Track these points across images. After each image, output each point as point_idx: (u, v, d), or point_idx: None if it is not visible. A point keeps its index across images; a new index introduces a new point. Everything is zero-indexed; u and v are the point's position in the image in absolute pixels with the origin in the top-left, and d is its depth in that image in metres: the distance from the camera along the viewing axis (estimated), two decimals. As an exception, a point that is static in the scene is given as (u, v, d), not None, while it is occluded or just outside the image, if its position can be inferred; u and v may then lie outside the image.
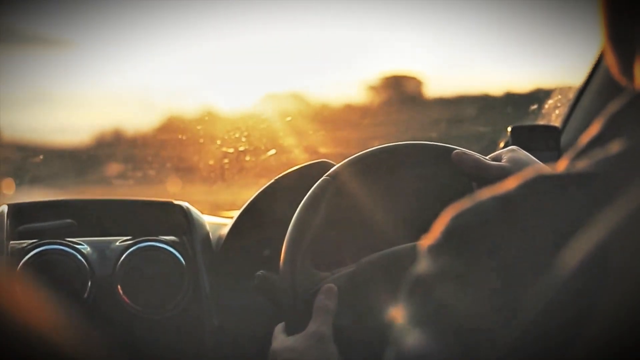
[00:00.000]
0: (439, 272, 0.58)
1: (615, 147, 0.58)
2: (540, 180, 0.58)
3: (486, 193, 0.60)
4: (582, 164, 0.58)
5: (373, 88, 2.84)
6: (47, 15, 2.70)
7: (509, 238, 0.56)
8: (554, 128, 2.21)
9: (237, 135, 2.52)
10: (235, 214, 1.95)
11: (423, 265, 0.60)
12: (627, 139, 0.57)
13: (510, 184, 0.60)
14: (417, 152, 1.56)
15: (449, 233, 0.60)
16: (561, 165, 0.60)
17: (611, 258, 0.50)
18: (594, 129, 0.62)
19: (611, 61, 0.69)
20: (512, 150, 1.39)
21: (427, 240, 0.61)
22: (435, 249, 0.60)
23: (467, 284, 0.56)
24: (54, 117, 2.75)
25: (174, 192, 2.76)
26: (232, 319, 1.87)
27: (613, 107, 0.62)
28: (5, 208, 1.91)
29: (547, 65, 2.62)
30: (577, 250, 0.52)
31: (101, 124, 2.70)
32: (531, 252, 0.54)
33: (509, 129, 2.19)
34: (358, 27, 2.75)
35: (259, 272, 1.55)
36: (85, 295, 1.82)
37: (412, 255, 1.46)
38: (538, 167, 1.42)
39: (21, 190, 2.64)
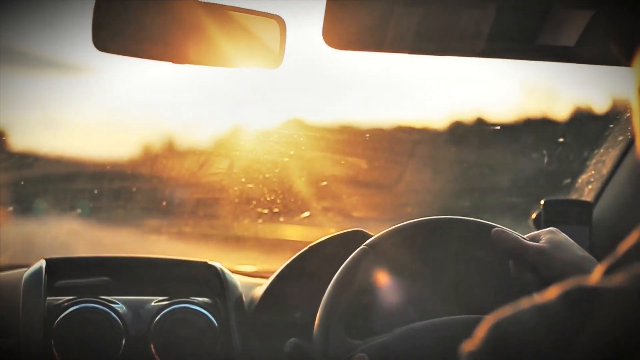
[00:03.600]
0: None
1: None
2: (581, 293, 0.59)
3: (527, 302, 0.61)
4: (620, 279, 0.59)
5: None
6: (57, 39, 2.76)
7: (548, 348, 0.57)
8: (586, 203, 2.22)
9: (272, 197, 2.55)
10: (269, 275, 1.97)
11: None
12: None
13: (550, 294, 0.60)
14: (457, 227, 1.58)
15: (489, 341, 0.61)
16: (599, 275, 0.61)
17: None
18: (631, 239, 0.62)
19: None
20: (552, 231, 1.40)
21: (468, 346, 0.62)
22: (475, 356, 0.61)
23: None
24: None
25: (208, 250, 2.78)
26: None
27: None
28: (43, 263, 1.94)
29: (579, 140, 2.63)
30: None
31: (140, 179, 2.74)
32: None
33: (542, 201, 2.20)
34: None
35: (291, 340, 1.57)
36: (119, 353, 1.84)
37: (445, 330, 1.48)
38: (578, 278, 1.42)
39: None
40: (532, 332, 0.59)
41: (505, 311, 0.62)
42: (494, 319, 0.62)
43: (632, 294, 0.57)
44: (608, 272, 0.61)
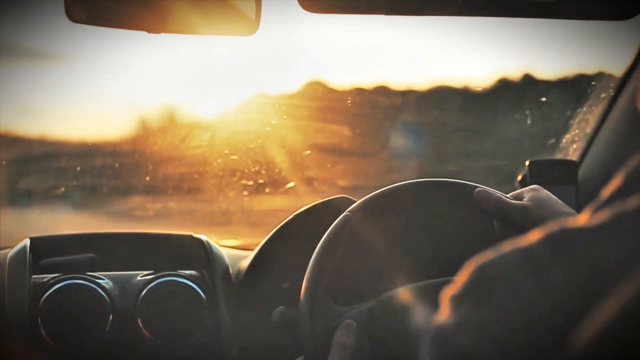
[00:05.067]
0: (460, 322, 0.59)
1: (634, 201, 0.58)
2: (563, 234, 0.59)
3: (509, 245, 0.61)
4: (602, 218, 0.59)
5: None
6: (41, 29, 2.74)
7: (531, 291, 0.56)
8: (571, 162, 2.22)
9: (256, 168, 2.54)
10: (256, 247, 1.96)
11: (445, 315, 0.61)
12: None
13: (533, 236, 0.60)
14: (438, 189, 1.57)
15: (472, 284, 0.60)
16: (583, 218, 0.61)
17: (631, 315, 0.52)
18: (615, 182, 0.63)
19: None
20: (534, 189, 1.40)
21: (449, 290, 0.62)
22: (457, 300, 0.60)
23: (488, 335, 0.56)
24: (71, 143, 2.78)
25: (193, 224, 2.78)
26: (252, 353, 1.88)
27: (635, 160, 0.62)
28: (27, 242, 1.93)
29: (566, 98, 2.63)
30: (600, 305, 0.53)
31: (122, 155, 2.73)
32: (553, 306, 0.55)
33: (527, 162, 2.20)
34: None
35: (279, 308, 1.57)
36: (107, 329, 1.83)
37: (431, 292, 1.48)
38: (561, 219, 1.42)
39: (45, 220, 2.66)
40: (515, 274, 0.58)
41: (487, 255, 0.62)
42: (476, 263, 0.62)
43: (613, 230, 0.57)
44: (593, 215, 0.61)
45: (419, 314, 1.47)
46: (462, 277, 0.62)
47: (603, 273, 0.54)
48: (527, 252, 0.59)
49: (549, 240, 0.59)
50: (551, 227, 0.60)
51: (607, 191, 0.63)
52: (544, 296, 0.56)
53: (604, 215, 0.59)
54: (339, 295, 1.55)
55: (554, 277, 0.56)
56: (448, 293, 0.62)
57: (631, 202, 0.58)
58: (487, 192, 1.42)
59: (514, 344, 0.55)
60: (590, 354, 0.52)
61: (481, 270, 0.61)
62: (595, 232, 0.58)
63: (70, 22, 1.38)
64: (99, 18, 1.41)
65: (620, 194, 0.61)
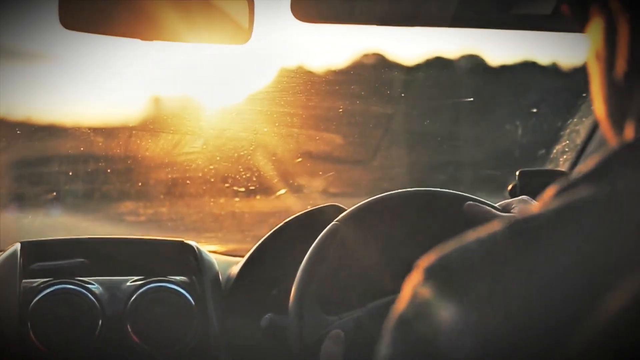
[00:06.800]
0: (420, 311, 0.59)
1: (595, 190, 0.59)
2: (520, 223, 0.60)
3: (472, 235, 0.62)
4: (559, 204, 0.59)
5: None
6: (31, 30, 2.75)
7: (489, 281, 0.57)
8: (561, 173, 2.23)
9: (247, 175, 2.55)
10: (246, 253, 1.97)
11: (404, 304, 0.61)
12: (607, 184, 0.59)
13: (495, 226, 0.61)
14: (428, 199, 1.58)
15: (432, 273, 0.61)
16: (542, 204, 0.61)
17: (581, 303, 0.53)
18: (583, 167, 0.63)
19: (601, 117, 0.70)
20: (523, 200, 1.41)
21: (410, 279, 0.62)
22: (419, 290, 0.61)
23: (446, 324, 0.57)
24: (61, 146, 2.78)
25: (184, 230, 2.78)
26: (240, 359, 1.89)
27: (606, 150, 0.63)
28: (18, 246, 1.93)
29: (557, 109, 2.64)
30: (553, 296, 0.54)
31: (114, 160, 2.73)
32: (508, 296, 0.55)
33: (517, 172, 2.20)
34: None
35: (267, 315, 1.57)
36: (96, 334, 1.83)
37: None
38: (522, 208, 1.43)
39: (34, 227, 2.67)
40: (477, 263, 0.59)
41: (449, 245, 0.62)
42: (437, 252, 0.62)
43: (567, 218, 0.58)
44: (555, 197, 0.62)
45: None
46: (423, 266, 0.62)
47: (559, 261, 0.55)
48: (486, 242, 0.60)
49: (510, 229, 0.59)
50: (512, 217, 0.61)
51: (572, 176, 0.63)
52: (507, 283, 0.56)
53: (560, 202, 0.59)
54: (327, 304, 1.55)
55: (517, 265, 0.57)
56: (408, 281, 0.63)
57: (586, 189, 0.59)
58: (478, 205, 1.43)
59: (471, 332, 0.55)
60: (549, 341, 0.53)
61: (442, 259, 0.61)
62: (551, 220, 0.58)
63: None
64: (92, 25, 1.42)
65: (585, 181, 0.61)
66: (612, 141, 0.69)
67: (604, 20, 0.68)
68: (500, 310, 0.55)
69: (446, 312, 0.57)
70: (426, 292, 0.60)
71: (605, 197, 0.58)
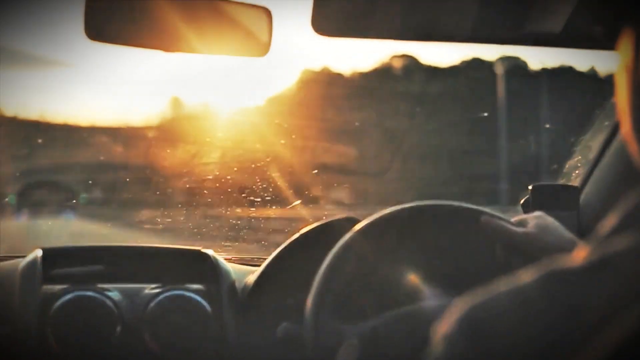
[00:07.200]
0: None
1: (628, 240, 0.59)
2: (555, 275, 0.60)
3: (502, 284, 0.62)
4: (592, 258, 0.60)
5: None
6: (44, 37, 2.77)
7: (524, 332, 0.58)
8: (573, 188, 2.24)
9: (264, 186, 2.57)
10: (262, 263, 1.99)
11: (437, 352, 0.62)
12: (636, 233, 0.59)
13: (526, 276, 0.61)
14: (445, 212, 1.60)
15: (464, 324, 0.61)
16: (576, 257, 0.61)
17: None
18: (612, 218, 0.63)
19: (628, 131, 0.70)
20: (538, 216, 1.43)
21: (442, 327, 0.63)
22: (450, 338, 0.62)
23: None
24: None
25: (202, 238, 2.80)
26: (256, 366, 1.90)
27: (632, 197, 0.63)
28: (39, 252, 1.96)
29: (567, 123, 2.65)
30: (589, 345, 0.54)
31: (133, 169, 2.76)
32: (545, 347, 0.56)
33: (530, 187, 2.22)
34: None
35: (283, 324, 1.59)
36: (114, 340, 1.86)
37: (435, 313, 1.50)
38: (554, 258, 1.44)
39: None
40: (506, 315, 0.59)
41: (480, 293, 0.63)
42: (468, 302, 0.63)
43: (601, 272, 0.58)
44: (586, 252, 0.61)
45: (421, 335, 1.49)
46: (453, 315, 0.63)
47: (590, 314, 0.56)
48: (519, 294, 0.60)
49: (541, 281, 0.60)
50: (544, 266, 0.61)
51: (603, 227, 0.63)
52: (533, 338, 0.57)
53: (594, 255, 0.60)
54: (342, 313, 1.57)
55: (547, 319, 0.57)
56: (441, 329, 0.63)
57: (620, 243, 0.59)
58: (493, 217, 1.45)
59: None
60: None
61: (473, 310, 0.62)
62: (585, 274, 0.59)
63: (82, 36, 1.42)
64: (116, 37, 1.45)
65: (616, 230, 0.61)
66: (637, 156, 0.68)
67: (634, 34, 0.68)
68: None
69: None
70: (458, 342, 0.61)
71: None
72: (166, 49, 1.45)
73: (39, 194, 2.87)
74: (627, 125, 0.70)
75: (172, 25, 1.42)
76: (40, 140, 2.72)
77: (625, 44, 0.69)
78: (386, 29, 1.37)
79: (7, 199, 2.71)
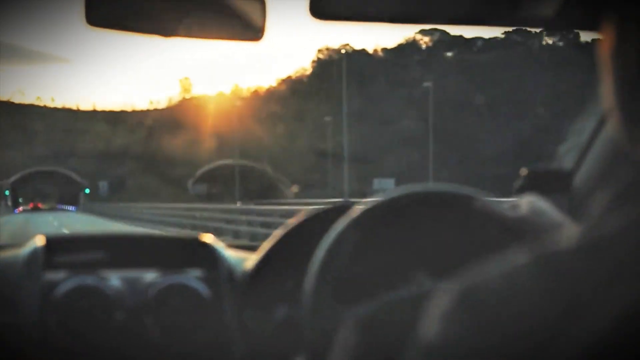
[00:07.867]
0: (447, 340, 0.62)
1: (619, 222, 0.60)
2: (548, 256, 0.61)
3: (496, 265, 0.63)
4: (587, 239, 0.61)
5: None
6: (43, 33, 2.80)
7: (518, 312, 0.59)
8: (566, 171, 2.26)
9: (263, 172, 2.59)
10: (261, 248, 2.00)
11: (431, 331, 0.64)
12: (627, 215, 0.60)
13: (519, 257, 0.62)
14: (439, 196, 1.62)
15: (461, 302, 0.63)
16: (571, 237, 0.62)
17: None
18: (602, 201, 0.64)
19: (612, 113, 0.70)
20: (532, 199, 1.45)
21: (434, 306, 0.65)
22: (447, 316, 0.63)
23: (475, 353, 0.59)
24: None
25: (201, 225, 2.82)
26: (255, 351, 1.92)
27: (622, 179, 0.64)
28: (41, 240, 1.99)
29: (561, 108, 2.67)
30: (580, 325, 0.56)
31: (134, 158, 2.78)
32: (535, 326, 0.58)
33: (523, 171, 2.24)
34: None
35: (282, 308, 1.61)
36: (115, 326, 1.88)
37: (433, 297, 1.51)
38: (547, 237, 1.46)
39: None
40: (502, 294, 0.61)
41: (475, 273, 0.64)
42: (464, 282, 0.64)
43: (590, 253, 0.59)
44: (578, 234, 0.62)
45: (418, 319, 1.50)
46: (447, 294, 0.64)
47: (583, 294, 0.57)
48: (512, 275, 0.62)
49: (534, 263, 0.61)
50: (536, 248, 0.62)
51: (595, 210, 0.64)
52: (527, 317, 0.58)
53: (586, 237, 0.61)
54: (341, 296, 1.59)
55: (540, 300, 0.59)
56: (434, 309, 0.65)
57: (611, 225, 0.60)
58: (487, 200, 1.47)
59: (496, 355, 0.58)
60: None
61: (469, 289, 0.63)
62: (577, 254, 0.60)
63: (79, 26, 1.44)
64: (116, 24, 1.47)
65: (607, 212, 0.62)
66: (621, 138, 0.69)
67: (617, 15, 0.69)
68: (525, 339, 0.57)
69: (471, 342, 0.60)
70: (451, 322, 0.62)
71: (627, 228, 0.59)
72: (164, 34, 1.47)
73: (45, 185, 2.88)
74: (612, 111, 0.70)
75: (170, 10, 1.44)
76: (40, 130, 2.74)
77: (610, 27, 0.70)
78: (386, 11, 1.38)
79: (7, 190, 2.73)
